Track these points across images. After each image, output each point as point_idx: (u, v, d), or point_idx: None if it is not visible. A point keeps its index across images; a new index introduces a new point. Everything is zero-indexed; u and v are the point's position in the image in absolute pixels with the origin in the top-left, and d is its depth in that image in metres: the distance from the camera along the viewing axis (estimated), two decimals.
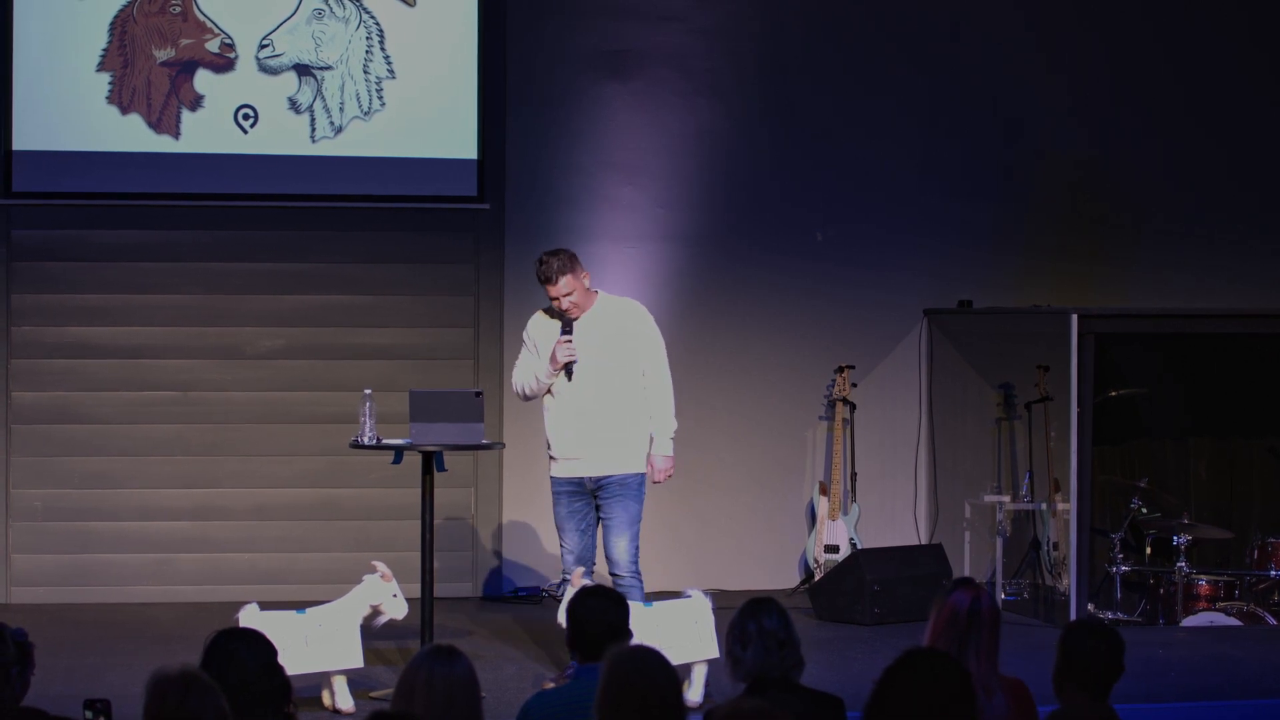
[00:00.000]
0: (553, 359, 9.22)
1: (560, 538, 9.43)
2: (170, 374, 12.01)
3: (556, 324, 9.34)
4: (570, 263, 9.27)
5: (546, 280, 9.25)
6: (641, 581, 9.26)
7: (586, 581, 8.64)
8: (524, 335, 9.53)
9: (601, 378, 9.25)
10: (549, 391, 9.36)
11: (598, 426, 9.26)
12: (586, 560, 9.28)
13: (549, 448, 9.44)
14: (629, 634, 5.91)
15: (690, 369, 12.46)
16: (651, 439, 9.39)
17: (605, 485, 9.29)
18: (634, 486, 9.32)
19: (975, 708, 4.72)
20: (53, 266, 11.94)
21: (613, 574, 9.23)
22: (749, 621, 5.59)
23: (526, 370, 9.41)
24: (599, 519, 9.37)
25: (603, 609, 5.97)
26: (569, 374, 9.26)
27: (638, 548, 9.35)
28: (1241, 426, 12.71)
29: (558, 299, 9.25)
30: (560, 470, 9.39)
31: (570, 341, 9.23)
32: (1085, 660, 5.55)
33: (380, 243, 12.19)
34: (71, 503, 11.89)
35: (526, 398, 9.51)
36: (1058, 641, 5.62)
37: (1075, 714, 5.50)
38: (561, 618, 8.60)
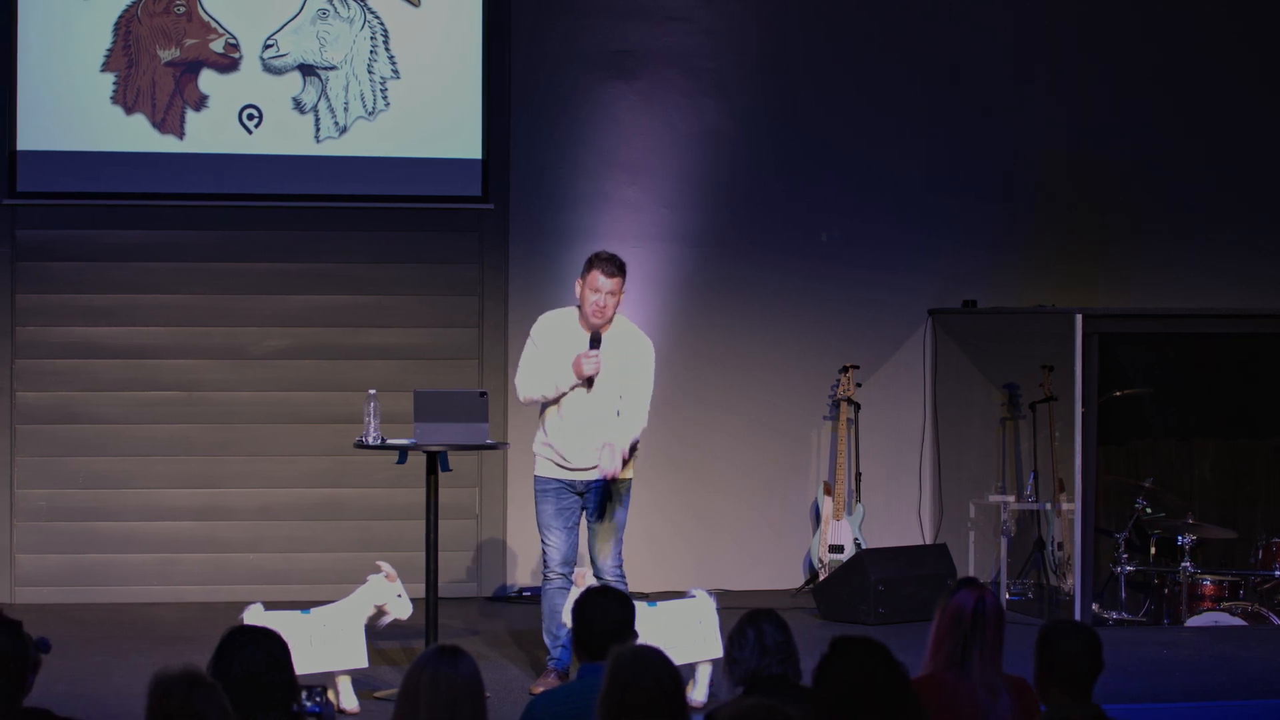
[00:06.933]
0: (578, 370, 9.10)
1: (545, 535, 9.26)
2: (175, 374, 12.02)
3: (569, 329, 9.19)
4: (626, 270, 9.19)
5: (610, 274, 9.06)
6: (626, 584, 9.18)
7: (592, 581, 8.65)
8: (531, 337, 9.35)
9: (612, 395, 9.18)
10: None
11: (602, 439, 9.20)
12: (571, 560, 9.23)
13: (544, 447, 9.29)
14: (635, 634, 5.91)
15: (694, 369, 12.48)
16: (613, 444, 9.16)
17: (597, 489, 9.23)
18: (623, 491, 9.27)
19: (912, 693, 4.76)
20: (57, 267, 11.95)
21: (597, 576, 9.12)
22: (748, 628, 5.61)
23: (542, 376, 9.19)
24: (581, 520, 9.31)
25: (609, 609, 5.97)
26: (589, 384, 9.17)
27: (621, 551, 9.30)
28: (1246, 426, 12.71)
29: (600, 292, 9.07)
30: (555, 471, 9.28)
31: (597, 357, 9.11)
32: (1065, 662, 5.53)
33: (385, 243, 12.20)
34: (76, 503, 11.90)
35: (536, 402, 9.33)
36: (1035, 645, 5.60)
37: (1061, 715, 5.50)
38: (567, 618, 8.62)
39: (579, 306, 9.22)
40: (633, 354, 9.23)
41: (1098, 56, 13.07)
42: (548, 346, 9.23)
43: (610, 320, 9.19)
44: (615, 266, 9.13)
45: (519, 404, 9.67)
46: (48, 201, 11.90)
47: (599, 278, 9.09)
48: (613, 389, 9.17)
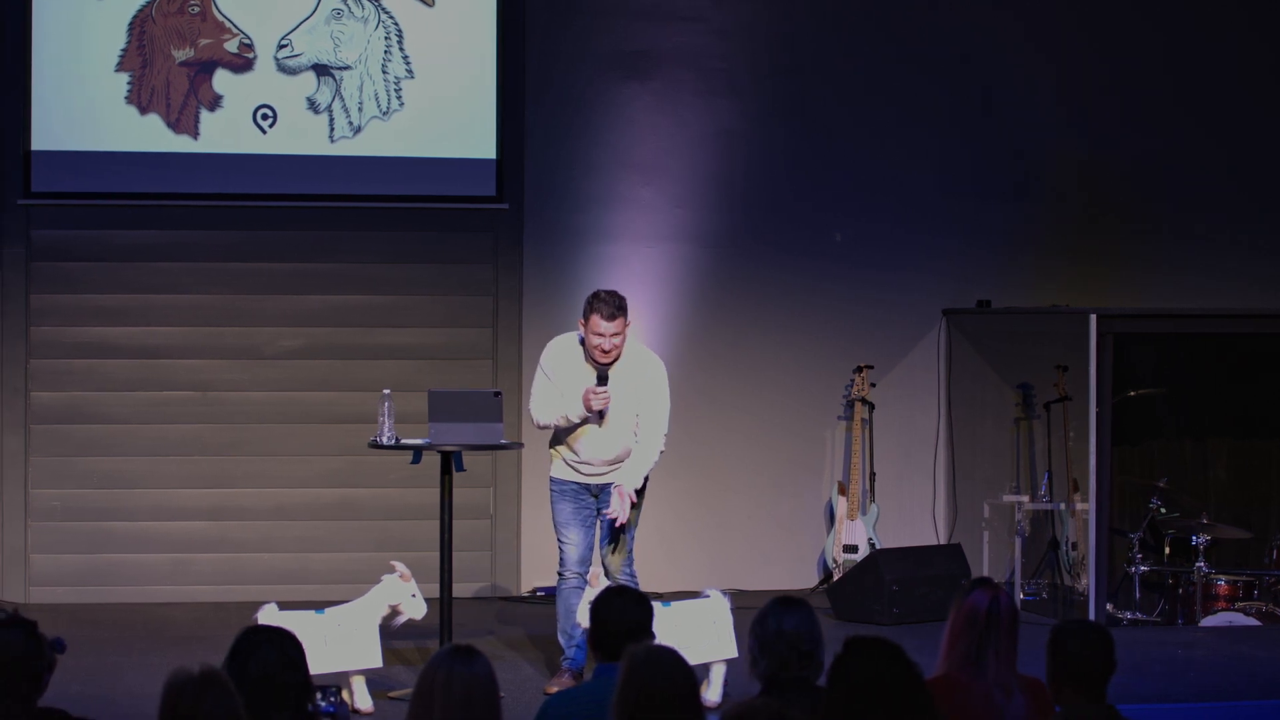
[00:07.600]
0: (587, 405, 9.05)
1: (562, 534, 9.24)
2: (188, 374, 12.03)
3: (579, 360, 9.13)
4: (626, 307, 9.08)
5: (610, 316, 8.96)
6: (637, 583, 9.15)
7: (606, 581, 8.64)
8: (541, 366, 9.30)
9: (627, 418, 9.16)
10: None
11: (615, 460, 9.22)
12: (587, 560, 9.21)
13: (562, 448, 9.31)
14: (651, 634, 5.89)
15: (708, 370, 12.47)
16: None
17: (610, 491, 9.21)
18: (637, 501, 9.25)
19: (926, 694, 4.75)
20: (71, 267, 11.96)
21: (608, 578, 9.11)
22: (770, 620, 5.51)
23: (553, 408, 9.17)
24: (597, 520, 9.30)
25: (626, 609, 5.95)
26: (601, 417, 9.14)
27: (632, 555, 9.28)
28: (1260, 426, 12.69)
29: (603, 335, 8.99)
30: (571, 474, 9.28)
31: (604, 393, 9.06)
32: (1077, 662, 5.51)
33: (399, 243, 12.20)
34: (90, 503, 11.91)
35: (550, 428, 9.32)
36: (1047, 645, 5.58)
37: (1075, 715, 5.49)
38: (582, 617, 8.61)
39: (583, 342, 9.18)
40: (644, 379, 9.18)
41: (1108, 57, 13.05)
42: (557, 377, 9.20)
43: (620, 354, 9.16)
44: (614, 308, 9.01)
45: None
46: (62, 202, 11.91)
47: (600, 322, 8.99)
48: (627, 414, 9.15)
